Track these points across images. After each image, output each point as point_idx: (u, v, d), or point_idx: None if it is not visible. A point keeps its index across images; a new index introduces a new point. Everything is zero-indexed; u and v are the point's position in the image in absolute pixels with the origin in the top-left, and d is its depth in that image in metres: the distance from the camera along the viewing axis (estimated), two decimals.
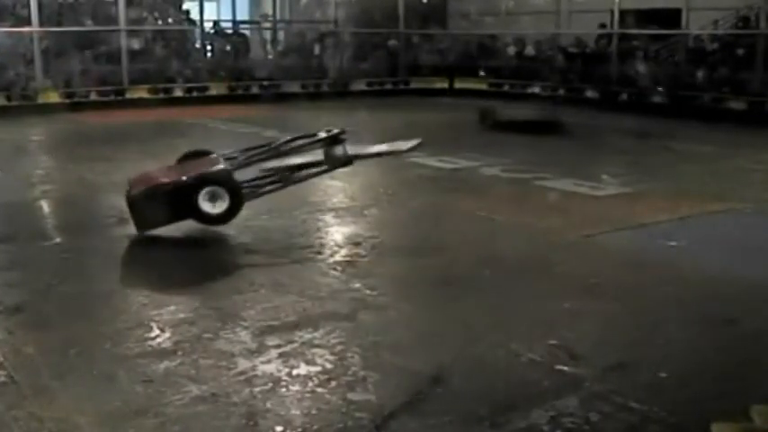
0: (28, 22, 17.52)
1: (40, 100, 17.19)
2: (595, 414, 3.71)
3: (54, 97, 17.41)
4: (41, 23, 17.56)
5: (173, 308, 5.22)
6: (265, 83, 20.27)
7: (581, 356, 4.37)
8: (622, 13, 18.51)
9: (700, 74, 16.74)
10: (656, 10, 18.52)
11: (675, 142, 13.43)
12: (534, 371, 4.24)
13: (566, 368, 4.23)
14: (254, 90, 20.17)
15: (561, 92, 18.76)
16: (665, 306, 5.27)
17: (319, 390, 4.00)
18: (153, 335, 4.77)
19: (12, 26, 18.00)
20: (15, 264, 6.27)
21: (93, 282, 5.82)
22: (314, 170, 7.61)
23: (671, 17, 17.81)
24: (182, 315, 5.09)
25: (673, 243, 6.81)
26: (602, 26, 19.28)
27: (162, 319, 4.99)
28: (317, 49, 22.09)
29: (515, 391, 3.99)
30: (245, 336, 4.70)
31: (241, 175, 7.10)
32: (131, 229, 6.81)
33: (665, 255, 6.51)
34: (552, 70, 19.67)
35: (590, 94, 18.18)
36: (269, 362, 4.32)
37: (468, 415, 3.75)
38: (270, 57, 21.85)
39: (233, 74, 20.29)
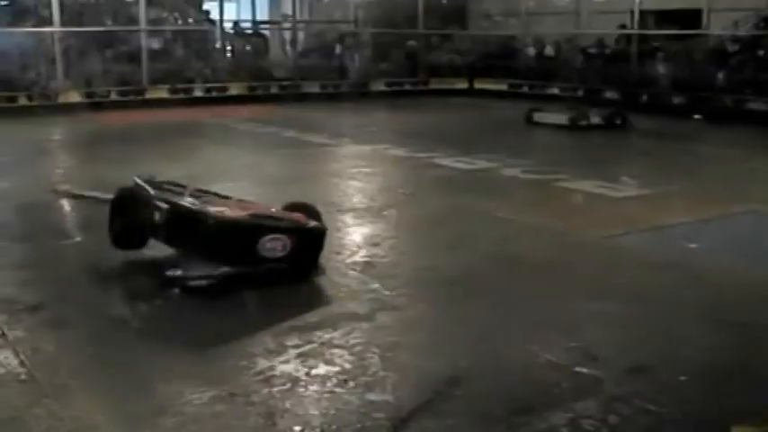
0: (49, 23, 17.61)
1: (61, 100, 17.26)
2: (614, 416, 3.70)
3: (74, 97, 17.48)
4: (62, 23, 17.64)
5: (192, 307, 5.23)
6: (285, 83, 20.31)
7: (600, 358, 4.36)
8: (642, 13, 18.43)
9: (720, 75, 16.65)
10: (677, 10, 18.42)
11: (696, 143, 13.39)
12: (553, 372, 4.24)
13: (584, 370, 4.22)
14: (274, 90, 20.21)
15: (580, 93, 18.70)
16: (685, 308, 5.25)
17: (338, 390, 4.00)
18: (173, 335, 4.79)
19: (33, 26, 18.10)
20: (35, 262, 6.30)
21: (112, 280, 5.83)
22: None
23: (691, 18, 17.72)
24: (199, 315, 5.10)
25: (692, 245, 6.78)
26: (622, 27, 19.21)
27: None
28: (336, 50, 22.11)
29: (534, 392, 3.98)
30: (264, 335, 4.71)
31: None
32: None
33: (685, 256, 6.48)
34: (572, 71, 19.61)
35: (609, 94, 18.11)
36: (288, 362, 4.33)
37: (486, 416, 3.74)
38: (289, 57, 21.87)
39: (252, 74, 20.33)
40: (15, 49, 17.79)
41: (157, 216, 5.80)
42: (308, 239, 5.86)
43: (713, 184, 9.49)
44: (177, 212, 5.75)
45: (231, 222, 5.63)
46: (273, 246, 5.59)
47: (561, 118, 14.66)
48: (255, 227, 5.64)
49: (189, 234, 5.64)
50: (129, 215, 5.95)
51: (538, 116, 15.28)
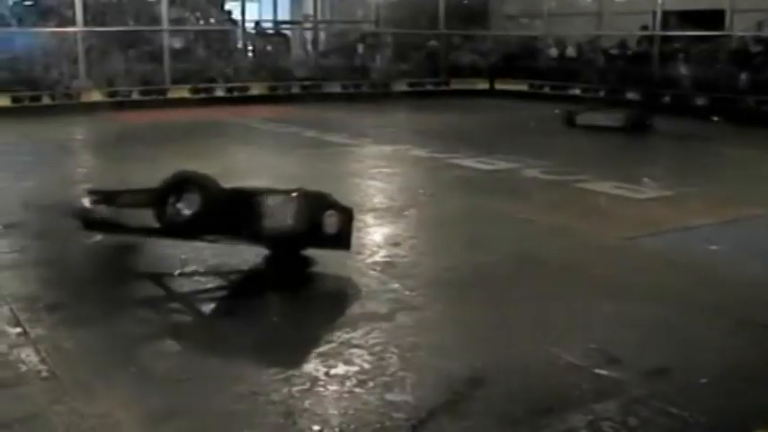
0: (72, 22, 17.71)
1: (83, 99, 17.36)
2: (634, 419, 3.69)
3: (96, 96, 17.58)
4: (85, 23, 17.73)
5: (212, 306, 5.26)
6: (306, 83, 20.34)
7: (620, 360, 4.34)
8: (665, 14, 18.37)
9: (743, 76, 16.57)
10: (699, 11, 18.35)
11: (717, 145, 13.33)
12: (573, 374, 4.23)
13: (604, 372, 4.21)
14: (295, 90, 20.25)
15: (602, 93, 18.65)
16: (706, 310, 5.23)
17: (357, 390, 4.01)
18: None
19: (56, 26, 18.20)
20: (56, 260, 6.34)
21: (133, 279, 5.85)
22: None
23: (714, 18, 17.64)
24: (221, 313, 5.12)
25: (713, 247, 6.76)
26: (644, 28, 19.14)
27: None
28: (357, 50, 22.13)
29: (553, 393, 3.97)
30: (284, 335, 4.72)
31: None
32: None
33: (706, 258, 6.45)
34: (593, 72, 19.57)
35: (631, 95, 18.06)
36: (307, 361, 4.34)
37: (505, 417, 3.74)
38: (310, 57, 21.90)
39: (274, 74, 20.37)
40: (38, 49, 17.91)
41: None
42: (349, 215, 5.99)
43: (735, 186, 9.45)
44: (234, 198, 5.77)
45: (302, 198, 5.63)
46: (331, 222, 5.75)
47: (614, 119, 14.50)
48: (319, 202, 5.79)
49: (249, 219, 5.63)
50: None
51: (584, 118, 14.91)
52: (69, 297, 5.37)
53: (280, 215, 5.54)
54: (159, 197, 5.74)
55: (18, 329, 4.81)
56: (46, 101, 17.04)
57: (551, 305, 5.31)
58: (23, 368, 4.30)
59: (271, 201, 5.59)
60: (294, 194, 5.63)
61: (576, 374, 4.21)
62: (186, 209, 5.64)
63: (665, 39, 18.42)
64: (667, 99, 17.46)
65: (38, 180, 9.14)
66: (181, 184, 5.75)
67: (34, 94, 17.09)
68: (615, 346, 4.53)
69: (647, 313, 5.15)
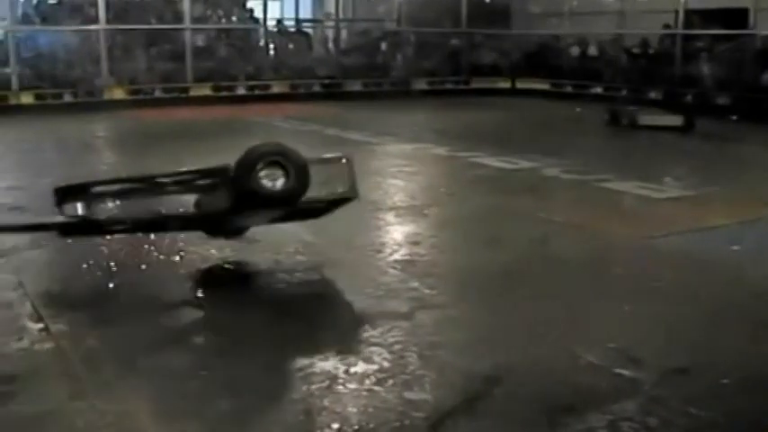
0: (95, 20, 17.79)
1: (106, 97, 17.46)
2: (654, 419, 3.68)
3: (119, 94, 17.66)
4: (108, 21, 17.81)
5: (232, 302, 5.27)
6: (327, 81, 20.37)
7: (640, 360, 4.33)
8: (687, 13, 18.27)
9: (766, 76, 16.47)
10: (723, 10, 18.24)
11: (740, 145, 13.26)
12: (593, 373, 4.22)
13: (625, 372, 4.20)
14: (316, 88, 20.28)
15: (624, 92, 18.58)
16: (728, 310, 5.20)
17: (376, 388, 4.01)
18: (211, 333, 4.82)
19: (79, 24, 18.29)
20: (78, 258, 6.36)
21: (154, 277, 5.87)
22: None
23: (738, 17, 17.54)
24: (239, 311, 5.13)
25: (736, 247, 6.72)
26: (667, 26, 19.06)
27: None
28: (379, 48, 22.13)
29: (573, 393, 3.97)
30: (303, 333, 4.73)
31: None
32: None
33: (728, 258, 6.42)
34: (615, 71, 19.50)
35: (653, 95, 17.98)
36: (327, 359, 4.34)
37: (524, 417, 3.74)
38: (332, 55, 21.92)
39: (295, 72, 20.40)
40: (62, 47, 18.01)
41: None
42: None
43: (757, 186, 9.38)
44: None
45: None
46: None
47: (674, 120, 14.41)
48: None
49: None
50: None
51: (645, 119, 14.68)
52: (91, 294, 5.39)
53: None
54: (246, 169, 5.45)
55: (40, 325, 4.84)
56: (68, 98, 17.14)
57: (571, 304, 5.30)
58: (45, 364, 4.33)
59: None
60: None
61: (596, 374, 4.20)
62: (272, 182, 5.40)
63: (688, 38, 18.32)
64: (689, 98, 17.35)
65: (59, 176, 9.18)
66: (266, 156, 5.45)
67: (57, 92, 17.20)
68: (635, 346, 4.52)
69: (668, 313, 5.13)
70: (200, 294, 5.54)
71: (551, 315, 5.09)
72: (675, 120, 14.29)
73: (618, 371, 4.21)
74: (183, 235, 6.41)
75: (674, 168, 10.82)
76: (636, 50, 19.67)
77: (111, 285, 5.63)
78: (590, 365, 4.31)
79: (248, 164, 5.34)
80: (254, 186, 5.29)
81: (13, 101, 17.17)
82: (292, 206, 5.54)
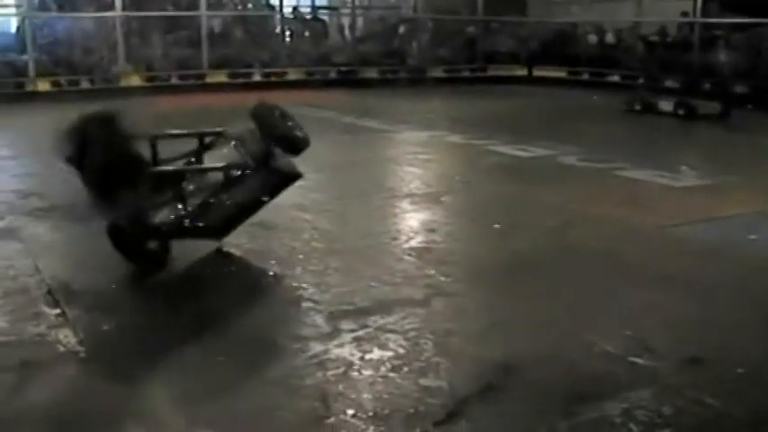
0: (111, 7, 17.82)
1: (122, 83, 17.48)
2: (669, 408, 3.68)
3: (135, 81, 17.69)
4: (124, 8, 17.84)
5: (248, 288, 5.29)
6: (343, 68, 20.35)
7: (655, 349, 4.32)
8: (705, 1, 18.16)
9: None
10: None
11: (758, 134, 13.18)
12: (608, 362, 4.21)
13: (640, 360, 4.20)
14: (332, 75, 20.27)
15: (641, 81, 18.50)
16: (743, 300, 5.19)
17: (391, 375, 4.02)
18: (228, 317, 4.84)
19: (96, 11, 18.34)
20: (95, 245, 6.38)
21: (171, 263, 5.88)
22: None
23: (757, 5, 17.41)
24: (255, 297, 5.15)
25: (753, 236, 6.69)
26: (685, 14, 18.96)
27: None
28: (395, 35, 22.10)
29: (588, 381, 3.96)
30: (319, 319, 4.74)
31: None
32: None
33: (745, 248, 6.39)
34: (633, 59, 19.41)
35: (670, 83, 17.90)
36: (342, 346, 4.35)
37: (539, 404, 3.74)
38: (348, 42, 21.90)
39: (311, 59, 20.40)
40: (78, 34, 18.05)
41: None
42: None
43: None
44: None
45: None
46: None
47: (711, 107, 14.36)
48: None
49: None
50: None
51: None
52: (108, 279, 5.41)
53: None
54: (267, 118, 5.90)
55: (56, 311, 4.87)
56: (85, 85, 17.17)
57: (587, 293, 5.30)
58: (61, 349, 4.36)
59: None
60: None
61: (611, 362, 4.20)
62: None
63: (706, 26, 18.22)
64: (707, 86, 17.26)
65: None
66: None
67: (73, 79, 17.24)
68: (651, 335, 4.51)
69: (684, 302, 5.12)
70: (215, 280, 5.55)
71: (566, 303, 5.09)
72: (713, 107, 14.26)
73: (632, 359, 4.21)
74: None
75: (690, 157, 10.78)
76: (653, 38, 19.57)
77: (127, 271, 5.65)
78: (605, 354, 4.31)
79: (266, 113, 5.85)
80: (285, 130, 5.82)
81: (29, 87, 17.24)
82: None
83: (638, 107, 14.93)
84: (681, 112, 14.37)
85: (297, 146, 5.88)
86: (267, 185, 5.86)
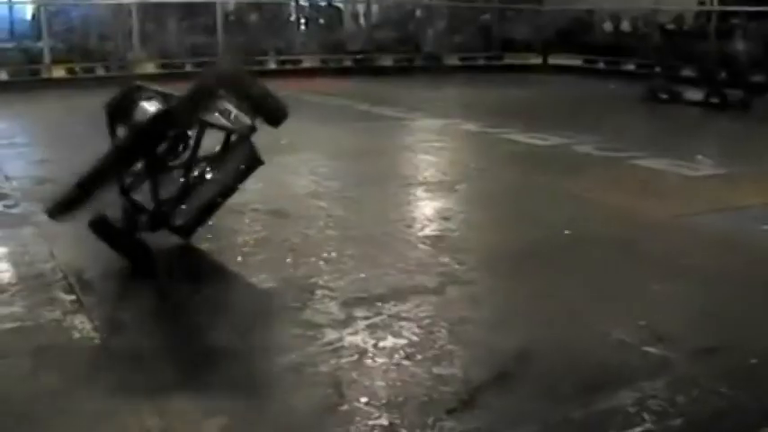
0: None
1: (137, 71, 17.50)
2: (682, 397, 3.66)
3: (150, 68, 17.71)
4: None
5: (263, 276, 5.30)
6: (358, 56, 20.33)
7: (669, 338, 4.31)
8: None
9: None
10: None
11: None
12: (622, 351, 4.20)
13: (653, 350, 4.18)
14: (347, 63, 20.25)
15: (657, 69, 18.41)
16: (757, 290, 5.16)
17: (405, 362, 4.02)
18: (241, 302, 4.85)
19: None
20: None
21: (186, 251, 5.89)
22: None
23: None
24: (271, 285, 5.16)
25: (767, 227, 6.67)
26: (701, 3, 18.86)
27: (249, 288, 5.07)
28: (410, 23, 22.06)
29: (602, 370, 3.96)
30: (333, 306, 4.75)
31: None
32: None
33: (759, 238, 6.37)
34: (648, 47, 19.31)
35: (687, 72, 17.80)
36: (356, 333, 4.36)
37: (552, 393, 3.73)
38: (363, 29, 21.87)
39: (326, 46, 20.38)
40: (94, 21, 18.08)
41: None
42: None
43: None
44: None
45: None
46: None
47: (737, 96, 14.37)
48: None
49: None
50: None
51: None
52: (123, 265, 5.42)
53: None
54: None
55: (72, 297, 4.88)
56: (100, 72, 17.22)
57: (602, 282, 5.29)
58: (76, 335, 4.37)
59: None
60: None
61: (625, 352, 4.19)
62: None
63: (723, 14, 18.11)
64: (723, 75, 17.15)
65: (94, 150, 9.22)
66: None
67: (89, 66, 17.28)
68: (665, 324, 4.50)
69: (699, 292, 5.11)
70: (233, 265, 5.56)
71: (581, 292, 5.09)
72: (735, 96, 14.23)
73: (647, 349, 4.20)
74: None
75: (707, 146, 10.74)
76: (670, 27, 19.48)
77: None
78: (619, 343, 4.30)
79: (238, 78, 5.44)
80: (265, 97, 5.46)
81: (45, 74, 17.29)
82: None
83: (663, 96, 14.86)
84: (714, 100, 14.31)
85: (278, 115, 5.58)
86: (244, 164, 5.74)
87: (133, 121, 5.34)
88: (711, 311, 4.80)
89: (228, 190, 5.74)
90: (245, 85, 5.42)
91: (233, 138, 5.63)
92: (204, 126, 5.31)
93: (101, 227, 5.42)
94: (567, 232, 6.32)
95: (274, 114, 5.49)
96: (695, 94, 14.50)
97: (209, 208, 5.70)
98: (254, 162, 5.78)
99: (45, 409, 3.60)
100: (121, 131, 5.48)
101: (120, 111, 5.46)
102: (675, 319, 4.62)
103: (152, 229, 5.49)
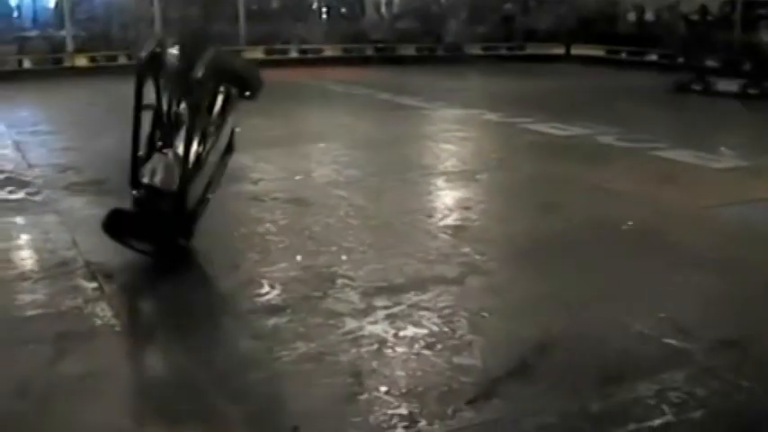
0: None
1: None
2: (703, 390, 3.65)
3: None
4: None
5: (285, 265, 5.31)
6: (380, 45, 20.31)
7: (691, 330, 4.29)
8: None
9: None
10: None
11: None
12: (642, 343, 4.19)
13: (674, 342, 4.17)
14: (369, 52, 20.23)
15: (680, 60, 18.30)
16: None
17: (425, 352, 4.02)
18: (263, 291, 4.86)
19: None
20: None
21: (207, 239, 5.91)
22: None
23: None
24: (292, 273, 5.17)
25: None
26: None
27: (273, 277, 5.08)
28: (432, 12, 22.01)
29: (622, 362, 3.94)
30: (353, 296, 4.75)
31: None
32: (248, 187, 6.95)
33: None
34: (673, 38, 19.20)
35: (711, 62, 17.69)
36: (376, 323, 4.36)
37: (573, 385, 3.73)
38: (385, 19, 21.85)
39: (348, 36, 20.38)
40: (116, 10, 18.13)
41: None
42: None
43: None
44: None
45: None
46: None
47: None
48: None
49: None
50: None
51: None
52: (144, 256, 5.44)
53: None
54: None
55: (94, 284, 4.91)
56: (122, 60, 17.25)
57: (623, 273, 5.27)
58: (98, 322, 4.40)
59: None
60: None
61: (646, 344, 4.18)
62: None
63: (748, 4, 17.98)
64: (748, 66, 17.04)
65: (115, 138, 9.27)
66: None
67: (111, 54, 17.32)
68: (686, 316, 4.48)
69: (720, 284, 5.08)
70: (254, 254, 5.58)
71: (602, 283, 5.07)
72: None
73: (667, 341, 4.18)
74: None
75: (730, 138, 10.67)
76: (694, 17, 19.35)
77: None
78: (639, 335, 4.29)
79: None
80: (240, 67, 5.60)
81: (67, 63, 17.36)
82: None
83: (696, 87, 14.78)
84: (752, 91, 14.23)
85: (253, 86, 5.55)
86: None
87: (167, 67, 5.39)
88: (733, 304, 4.78)
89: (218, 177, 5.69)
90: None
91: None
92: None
93: (120, 220, 5.30)
94: (628, 224, 6.27)
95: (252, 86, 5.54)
96: (729, 86, 14.38)
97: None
98: (231, 148, 5.77)
99: (65, 395, 3.63)
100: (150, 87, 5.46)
101: (152, 62, 5.42)
102: (696, 311, 4.61)
103: (176, 210, 5.37)
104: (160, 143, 5.45)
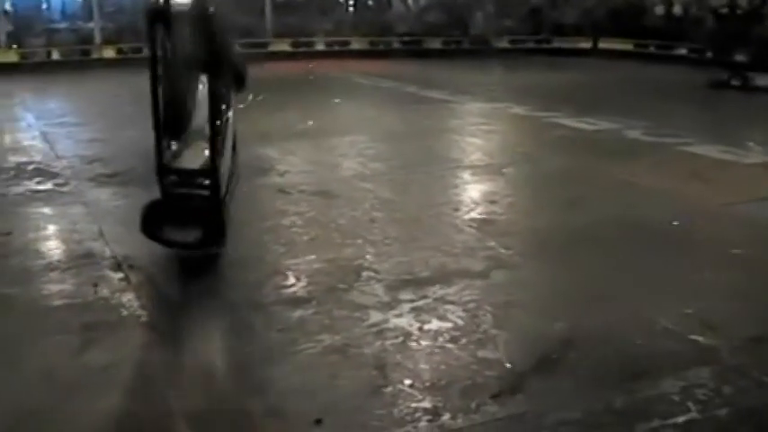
0: None
1: None
2: (729, 387, 3.63)
3: None
4: None
5: (310, 257, 5.31)
6: (406, 38, 20.29)
7: (717, 327, 4.27)
8: None
9: None
10: None
11: None
12: (667, 339, 4.17)
13: (700, 338, 4.15)
14: (395, 45, 20.22)
15: (709, 54, 18.17)
16: None
17: (449, 346, 4.02)
18: (289, 283, 4.87)
19: None
20: None
21: (232, 230, 5.92)
22: None
23: None
24: (317, 266, 5.18)
25: None
26: None
27: (298, 269, 5.09)
28: (459, 5, 21.96)
29: (647, 358, 3.93)
30: (378, 289, 4.75)
31: None
32: (275, 179, 6.96)
33: None
34: (701, 31, 19.06)
35: (740, 57, 17.55)
36: (401, 316, 4.36)
37: (597, 379, 3.72)
38: (411, 12, 21.82)
39: (374, 29, 20.37)
40: (142, 1, 18.18)
41: None
42: None
43: None
44: None
45: None
46: None
47: None
48: None
49: None
50: None
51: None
52: (171, 249, 5.45)
53: None
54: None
55: (120, 275, 4.94)
56: (148, 53, 17.31)
57: (649, 269, 5.24)
58: (124, 312, 4.42)
59: None
60: None
61: (672, 340, 4.16)
62: None
63: None
64: None
65: (140, 129, 9.30)
66: None
67: (136, 46, 17.38)
68: (712, 313, 4.45)
69: (746, 280, 5.05)
70: (279, 245, 5.58)
71: (627, 278, 5.05)
72: None
73: (693, 337, 4.16)
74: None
75: (759, 133, 10.58)
76: (723, 11, 19.20)
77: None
78: (665, 331, 4.27)
79: None
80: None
81: (95, 55, 17.46)
82: None
83: (735, 83, 14.68)
84: None
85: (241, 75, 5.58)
86: None
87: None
88: (759, 301, 4.75)
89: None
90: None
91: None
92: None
93: (156, 213, 5.11)
94: (674, 223, 6.22)
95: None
96: (765, 80, 14.25)
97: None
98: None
99: (90, 384, 3.65)
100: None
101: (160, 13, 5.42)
102: (723, 308, 4.57)
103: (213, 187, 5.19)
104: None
